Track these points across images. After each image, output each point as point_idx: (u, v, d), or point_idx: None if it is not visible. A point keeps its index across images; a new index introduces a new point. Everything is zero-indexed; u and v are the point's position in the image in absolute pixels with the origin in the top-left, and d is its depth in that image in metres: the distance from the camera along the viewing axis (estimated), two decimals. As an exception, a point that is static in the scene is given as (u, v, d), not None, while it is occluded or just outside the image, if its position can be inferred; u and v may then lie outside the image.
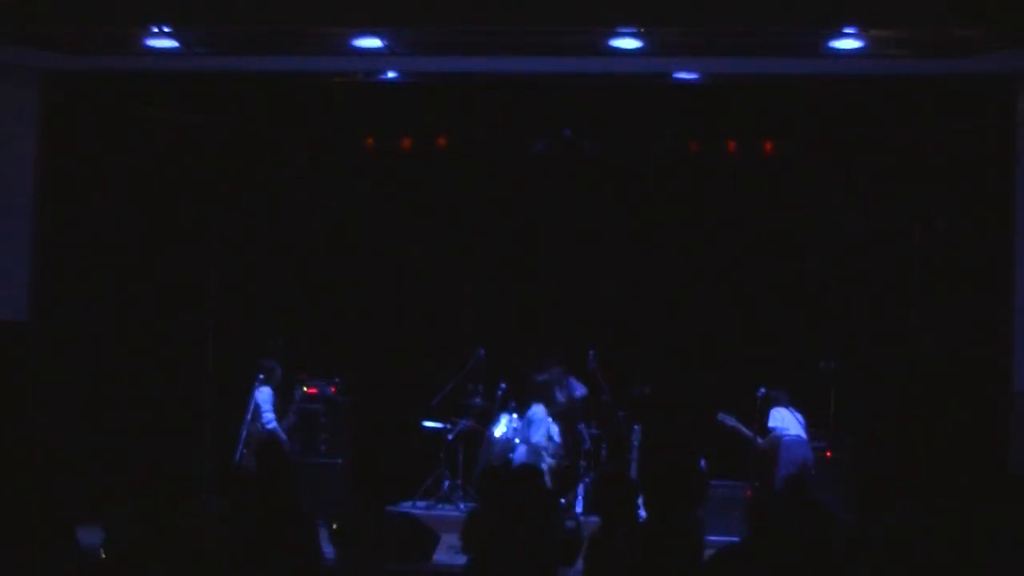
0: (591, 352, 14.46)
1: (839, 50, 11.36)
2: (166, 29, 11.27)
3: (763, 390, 13.53)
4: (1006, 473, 11.27)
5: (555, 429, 13.85)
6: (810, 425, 13.56)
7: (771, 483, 13.03)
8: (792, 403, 13.48)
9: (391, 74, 12.81)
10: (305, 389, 14.39)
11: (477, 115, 14.15)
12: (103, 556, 7.74)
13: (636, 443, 13.93)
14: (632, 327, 15.12)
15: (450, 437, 14.47)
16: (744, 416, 13.59)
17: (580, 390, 14.44)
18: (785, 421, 13.36)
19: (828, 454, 13.65)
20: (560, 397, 14.17)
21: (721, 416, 13.57)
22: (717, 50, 11.75)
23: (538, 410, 13.71)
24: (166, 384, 13.67)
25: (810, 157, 14.33)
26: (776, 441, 13.27)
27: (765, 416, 13.39)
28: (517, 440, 13.82)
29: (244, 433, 13.19)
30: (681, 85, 12.80)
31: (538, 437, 13.57)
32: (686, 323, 15.06)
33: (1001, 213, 12.30)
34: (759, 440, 13.36)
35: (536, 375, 13.92)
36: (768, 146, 14.41)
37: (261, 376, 13.41)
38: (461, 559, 11.99)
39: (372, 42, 11.51)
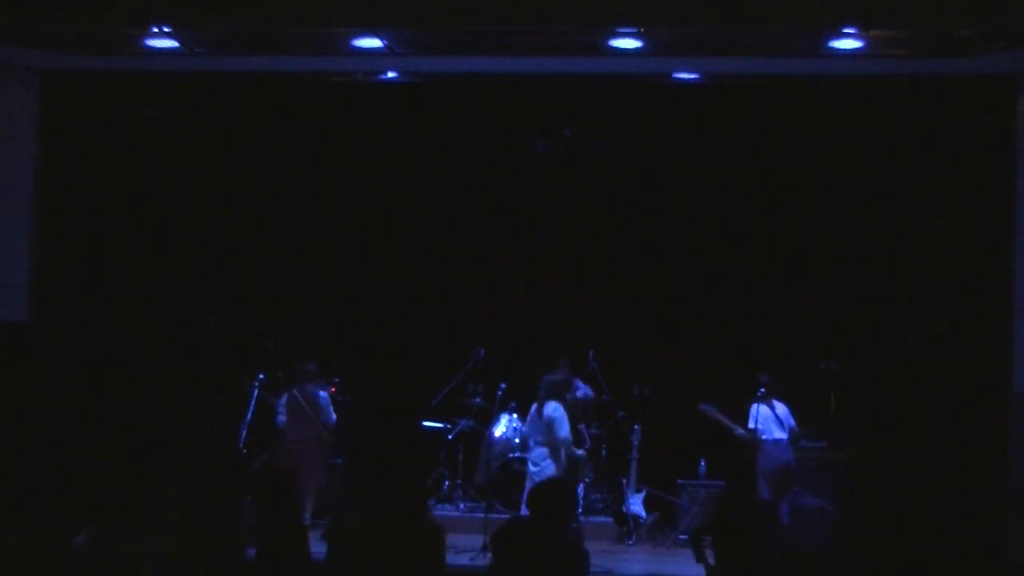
0: (591, 352, 14.47)
1: (839, 50, 11.36)
2: (166, 29, 11.27)
3: (763, 390, 13.56)
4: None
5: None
6: (809, 425, 13.58)
7: (750, 481, 13.12)
8: (777, 394, 13.51)
9: (391, 74, 12.81)
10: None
11: (477, 115, 14.15)
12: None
13: (636, 443, 13.94)
14: (632, 327, 15.13)
15: (450, 437, 14.49)
16: (742, 415, 13.62)
17: (582, 389, 14.45)
18: (766, 423, 13.43)
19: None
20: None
21: (703, 407, 13.65)
22: (717, 50, 11.76)
23: (555, 407, 12.78)
24: (166, 384, 13.67)
25: (810, 157, 14.32)
26: (754, 441, 13.35)
27: (748, 411, 13.48)
28: (537, 438, 12.89)
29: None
30: (681, 85, 12.80)
31: (563, 433, 12.67)
32: (686, 323, 15.07)
33: (1001, 213, 12.29)
34: (739, 431, 13.46)
35: (548, 374, 13.53)
36: (768, 146, 14.40)
37: (261, 377, 13.54)
38: (461, 559, 12.05)
39: (372, 42, 11.51)
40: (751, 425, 13.43)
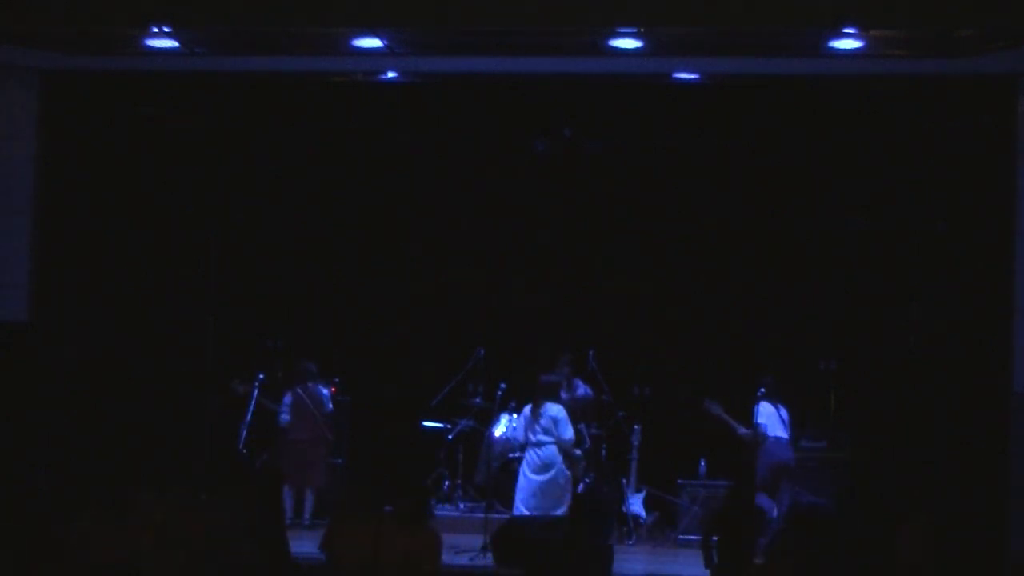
0: (591, 352, 14.47)
1: (839, 50, 11.36)
2: (166, 29, 11.27)
3: (763, 390, 13.56)
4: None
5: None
6: (809, 425, 13.58)
7: (750, 479, 13.13)
8: (779, 395, 13.52)
9: (391, 74, 12.82)
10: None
11: (477, 115, 14.15)
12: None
13: (636, 443, 13.94)
14: (632, 327, 15.12)
15: (450, 437, 14.49)
16: (745, 415, 13.61)
17: (582, 389, 14.45)
18: (770, 420, 13.44)
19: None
20: (564, 395, 14.16)
21: (707, 404, 13.65)
22: (717, 50, 11.76)
23: (558, 408, 13.00)
24: (166, 384, 13.68)
25: (810, 157, 14.32)
26: (759, 436, 13.37)
27: (752, 408, 13.48)
28: (541, 438, 12.93)
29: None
30: (681, 85, 12.80)
31: (570, 434, 12.95)
32: (686, 323, 15.07)
33: (1001, 213, 12.29)
34: (742, 430, 13.47)
35: (545, 375, 13.51)
36: (768, 146, 14.41)
37: (261, 377, 13.60)
38: (461, 559, 12.05)
39: (372, 42, 11.51)
40: (756, 420, 13.44)
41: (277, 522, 8.88)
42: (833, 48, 11.32)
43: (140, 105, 13.63)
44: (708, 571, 9.87)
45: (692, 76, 12.61)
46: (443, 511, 14.00)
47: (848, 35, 11.02)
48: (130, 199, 13.76)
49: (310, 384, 13.98)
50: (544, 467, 12.79)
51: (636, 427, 14.00)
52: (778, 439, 13.39)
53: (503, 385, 14.17)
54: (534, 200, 15.35)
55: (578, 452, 13.36)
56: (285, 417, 13.95)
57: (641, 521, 13.86)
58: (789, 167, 14.57)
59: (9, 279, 12.62)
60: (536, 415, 12.93)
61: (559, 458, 12.86)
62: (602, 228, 15.35)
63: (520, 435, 13.19)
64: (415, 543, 7.84)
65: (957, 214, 13.25)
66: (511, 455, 14.05)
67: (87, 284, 13.42)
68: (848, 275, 14.48)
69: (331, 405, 14.14)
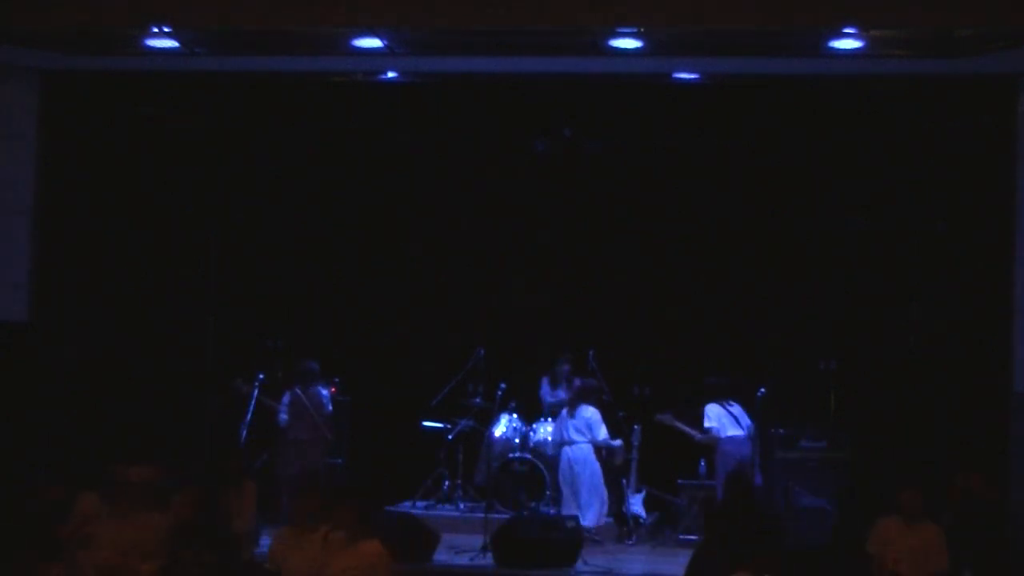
0: (591, 352, 14.47)
1: (839, 50, 11.37)
2: (166, 29, 11.29)
3: (763, 390, 13.55)
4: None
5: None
6: (809, 425, 13.57)
7: (740, 479, 13.12)
8: (725, 393, 13.56)
9: (391, 74, 12.82)
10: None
11: (477, 115, 14.15)
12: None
13: (636, 443, 13.94)
14: (632, 327, 15.12)
15: (450, 437, 14.48)
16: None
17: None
18: (720, 420, 13.45)
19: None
20: (563, 395, 14.25)
21: (659, 416, 13.75)
22: (717, 50, 11.76)
23: (593, 410, 13.69)
24: (166, 384, 13.68)
25: (810, 157, 14.33)
26: (714, 441, 13.41)
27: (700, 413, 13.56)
28: (574, 437, 13.65)
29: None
30: (681, 85, 12.80)
31: (603, 435, 13.67)
32: (686, 323, 15.06)
33: (1001, 213, 12.30)
34: (698, 436, 13.53)
35: (584, 380, 13.99)
36: (768, 146, 14.41)
37: (261, 377, 13.57)
38: (461, 559, 12.06)
39: (372, 42, 11.53)
40: (706, 424, 13.50)
41: (217, 519, 8.86)
42: (833, 48, 11.33)
43: (140, 105, 13.64)
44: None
45: (692, 76, 12.63)
46: (443, 511, 14.00)
47: (848, 35, 11.04)
48: (130, 199, 13.77)
49: (312, 385, 13.88)
50: (575, 462, 13.57)
51: (636, 427, 14.00)
52: (732, 438, 13.39)
53: (503, 385, 14.16)
54: (534, 200, 15.35)
55: (617, 443, 13.76)
56: (284, 417, 13.89)
57: (641, 521, 13.86)
58: (789, 167, 14.56)
59: (9, 279, 12.63)
60: (572, 415, 13.74)
61: (591, 456, 13.61)
62: (602, 228, 15.34)
63: (556, 435, 13.88)
64: (358, 556, 7.65)
65: (957, 214, 13.26)
66: (511, 455, 14.06)
67: (87, 284, 13.43)
68: (848, 275, 14.47)
69: (331, 406, 14.10)
